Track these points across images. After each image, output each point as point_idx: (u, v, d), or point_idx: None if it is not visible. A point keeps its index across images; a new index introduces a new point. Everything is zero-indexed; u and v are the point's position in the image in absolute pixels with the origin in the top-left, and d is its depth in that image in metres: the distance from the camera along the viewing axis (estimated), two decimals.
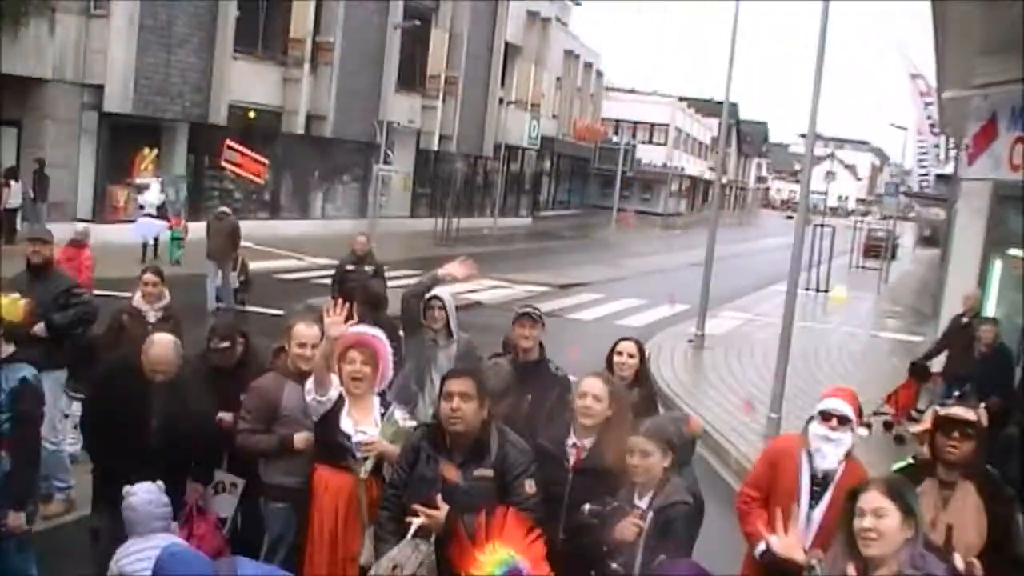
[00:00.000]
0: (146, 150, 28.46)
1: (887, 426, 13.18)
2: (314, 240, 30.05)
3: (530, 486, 5.00)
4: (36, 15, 23.24)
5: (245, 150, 31.41)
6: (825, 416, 5.42)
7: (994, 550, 4.87)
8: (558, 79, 55.85)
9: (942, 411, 5.15)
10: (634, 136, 69.97)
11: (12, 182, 23.55)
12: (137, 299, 8.39)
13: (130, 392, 6.05)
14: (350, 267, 14.52)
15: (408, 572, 4.74)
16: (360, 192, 36.15)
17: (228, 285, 17.82)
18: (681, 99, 79.37)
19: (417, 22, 35.15)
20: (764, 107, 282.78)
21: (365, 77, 34.96)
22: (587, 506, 5.16)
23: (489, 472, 4.96)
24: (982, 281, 12.70)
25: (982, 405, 11.18)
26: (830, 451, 5.39)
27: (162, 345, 6.11)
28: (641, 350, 6.76)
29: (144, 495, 5.46)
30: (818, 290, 30.09)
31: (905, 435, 12.35)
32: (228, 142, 30.74)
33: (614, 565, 4.86)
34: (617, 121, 70.59)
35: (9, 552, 5.81)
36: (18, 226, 22.91)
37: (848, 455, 5.41)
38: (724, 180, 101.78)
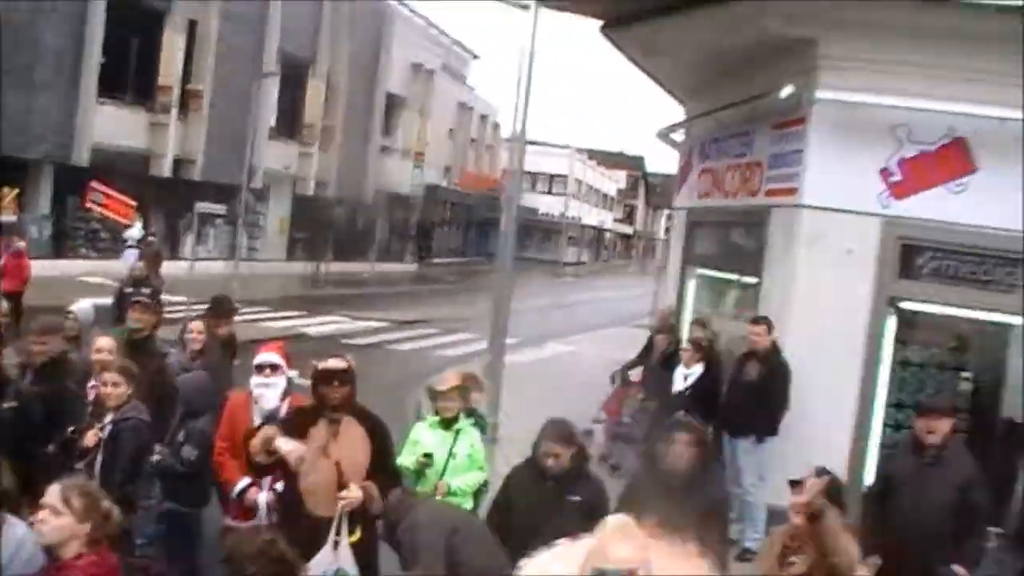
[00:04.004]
0: (6, 189, 29.25)
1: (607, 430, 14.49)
2: (181, 281, 30.45)
3: None
4: None
5: (111, 192, 32.17)
6: (259, 368, 6.70)
7: (377, 467, 5.98)
8: (451, 130, 57.39)
9: (320, 364, 5.97)
10: (533, 187, 71.66)
11: None
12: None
13: None
14: (128, 289, 15.62)
15: None
16: (231, 235, 37.04)
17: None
18: (582, 151, 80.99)
19: (276, 74, 36.44)
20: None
21: (237, 124, 36.00)
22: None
23: None
24: (680, 298, 14.12)
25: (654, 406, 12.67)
26: (270, 395, 6.65)
27: None
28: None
29: None
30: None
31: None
32: (93, 184, 31.52)
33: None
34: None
35: None
36: None
37: (287, 393, 6.72)
38: (631, 231, 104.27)
